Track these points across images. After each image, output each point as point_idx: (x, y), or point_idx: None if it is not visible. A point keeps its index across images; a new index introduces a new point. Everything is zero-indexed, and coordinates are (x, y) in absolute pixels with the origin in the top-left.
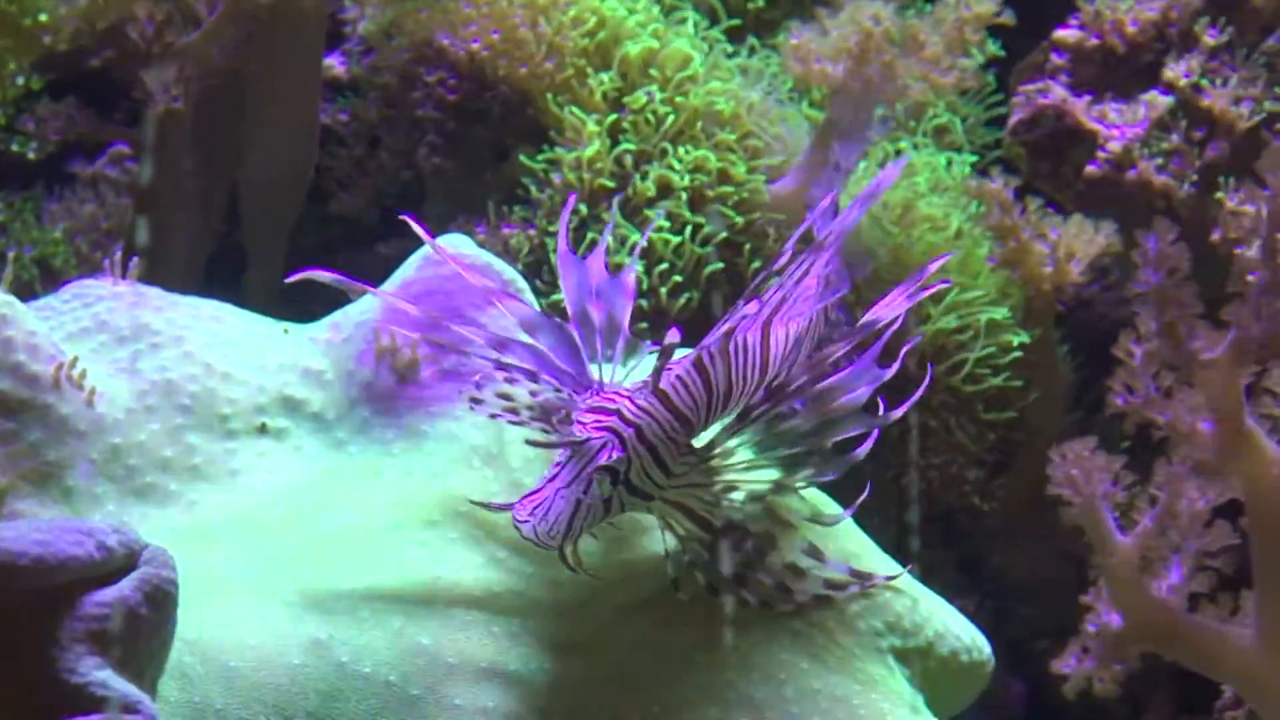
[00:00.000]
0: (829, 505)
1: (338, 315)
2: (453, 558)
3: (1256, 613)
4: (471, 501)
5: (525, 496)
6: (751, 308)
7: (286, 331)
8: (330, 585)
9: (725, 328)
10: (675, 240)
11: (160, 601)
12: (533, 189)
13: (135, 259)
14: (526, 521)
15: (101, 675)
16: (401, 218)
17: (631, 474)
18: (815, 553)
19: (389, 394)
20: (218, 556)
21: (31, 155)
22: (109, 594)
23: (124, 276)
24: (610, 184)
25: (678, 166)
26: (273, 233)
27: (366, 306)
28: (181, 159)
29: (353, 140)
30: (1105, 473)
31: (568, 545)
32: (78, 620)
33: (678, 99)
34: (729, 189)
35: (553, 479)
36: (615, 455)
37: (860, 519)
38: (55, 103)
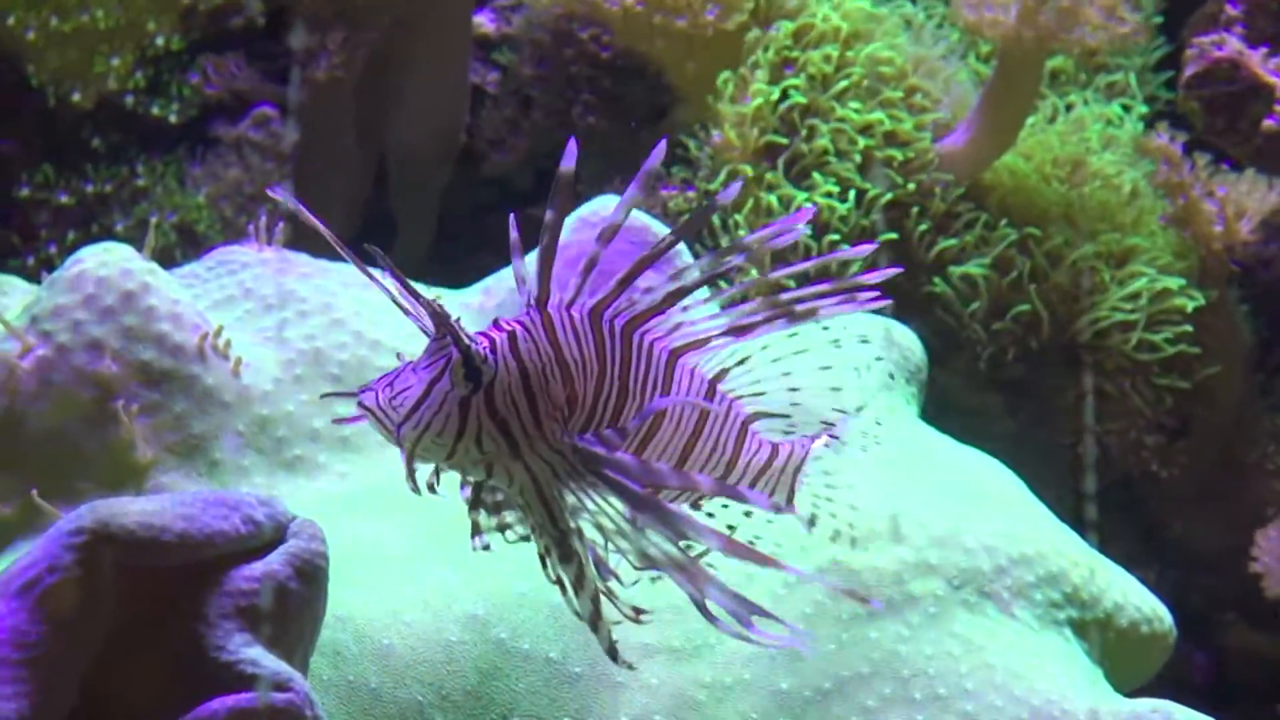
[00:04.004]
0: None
1: (490, 280)
2: None
3: None
4: (323, 395)
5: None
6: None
7: (439, 298)
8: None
9: (638, 311)
10: (841, 208)
11: (310, 576)
12: (691, 147)
13: (281, 224)
14: (370, 391)
15: (251, 653)
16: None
17: (495, 389)
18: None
19: None
20: (369, 530)
21: (173, 118)
22: (257, 569)
23: (270, 242)
24: (781, 140)
25: (852, 123)
26: (423, 197)
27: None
28: (332, 122)
29: (505, 100)
30: None
31: (409, 433)
32: (226, 596)
33: (847, 54)
34: (896, 152)
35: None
36: (478, 348)
37: (1037, 488)
38: (219, 55)
